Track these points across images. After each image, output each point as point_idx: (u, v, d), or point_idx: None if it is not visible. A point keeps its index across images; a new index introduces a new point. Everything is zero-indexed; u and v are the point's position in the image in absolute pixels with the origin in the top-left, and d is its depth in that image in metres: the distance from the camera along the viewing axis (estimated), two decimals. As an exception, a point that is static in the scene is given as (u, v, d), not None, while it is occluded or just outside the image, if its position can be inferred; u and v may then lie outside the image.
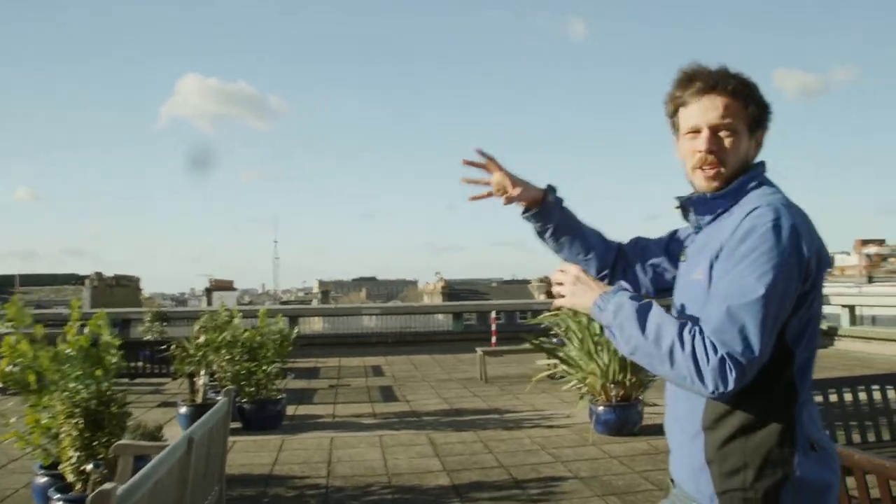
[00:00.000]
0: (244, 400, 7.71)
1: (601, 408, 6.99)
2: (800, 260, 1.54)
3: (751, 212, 1.61)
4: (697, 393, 1.54)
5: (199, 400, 7.56)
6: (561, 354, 7.72)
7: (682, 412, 1.74)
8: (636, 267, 2.10)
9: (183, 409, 7.53)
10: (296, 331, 8.39)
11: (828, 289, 16.68)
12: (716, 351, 1.48)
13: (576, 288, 1.77)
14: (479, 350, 12.02)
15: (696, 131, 1.73)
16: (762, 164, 1.79)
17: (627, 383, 7.01)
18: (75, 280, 63.70)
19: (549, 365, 8.35)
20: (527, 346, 11.25)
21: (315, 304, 52.57)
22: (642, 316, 1.60)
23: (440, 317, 23.53)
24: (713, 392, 1.49)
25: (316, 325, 24.03)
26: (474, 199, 2.16)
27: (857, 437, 4.40)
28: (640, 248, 2.12)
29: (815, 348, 1.66)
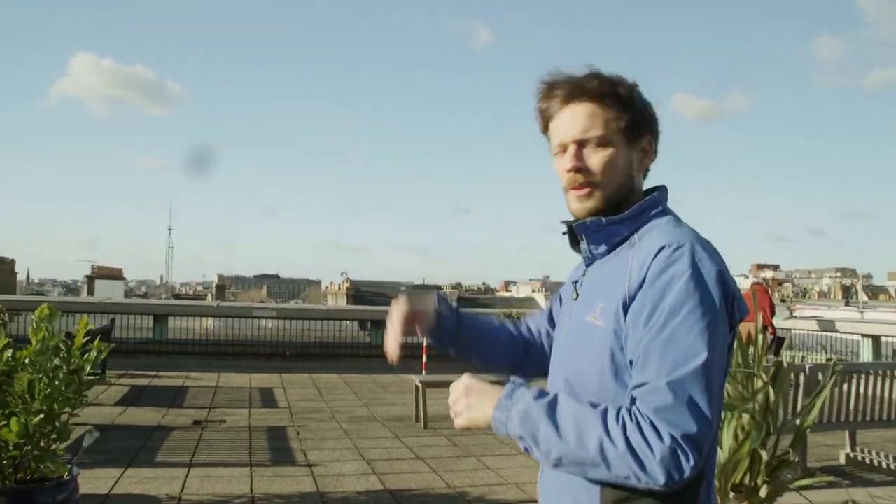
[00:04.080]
0: (-18, 488, 3.86)
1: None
2: (728, 309, 1.34)
3: (660, 251, 1.35)
4: (646, 488, 1.23)
5: None
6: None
7: (565, 495, 1.44)
8: (546, 351, 1.75)
9: None
10: (100, 348, 4.30)
11: (829, 313, 13.85)
12: (661, 436, 1.20)
13: (470, 401, 1.42)
14: (415, 379, 8.39)
15: (564, 148, 1.49)
16: (662, 187, 1.54)
17: (759, 487, 3.54)
18: (-66, 259, 56.32)
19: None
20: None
21: (209, 299, 47.84)
22: (552, 415, 1.29)
23: (348, 323, 19.74)
24: (667, 484, 1.20)
25: (207, 325, 20.07)
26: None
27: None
28: (540, 330, 1.83)
29: (720, 410, 1.36)
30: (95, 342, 4.20)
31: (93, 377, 4.29)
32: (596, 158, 1.45)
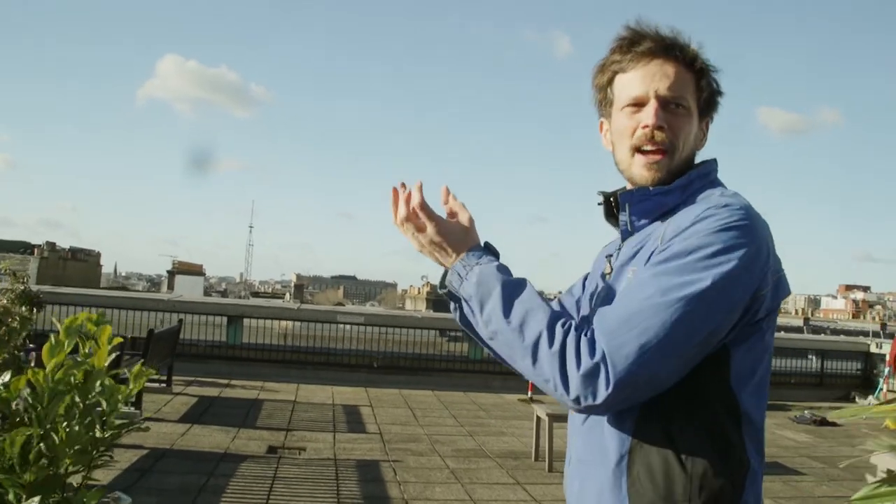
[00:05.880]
0: None
1: None
2: (754, 276, 1.16)
3: (706, 211, 1.20)
4: (560, 402, 1.18)
5: None
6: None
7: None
8: None
9: None
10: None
11: None
12: (593, 353, 1.11)
13: (441, 240, 1.33)
14: (538, 410, 6.83)
15: (640, 103, 1.32)
16: (714, 160, 1.40)
17: None
18: (24, 248, 57.61)
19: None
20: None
21: (287, 298, 47.39)
22: (508, 294, 1.22)
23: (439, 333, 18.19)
24: (576, 403, 1.13)
25: (286, 325, 18.90)
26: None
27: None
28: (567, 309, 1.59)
29: (766, 393, 1.26)
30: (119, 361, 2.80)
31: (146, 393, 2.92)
32: (676, 122, 1.30)
